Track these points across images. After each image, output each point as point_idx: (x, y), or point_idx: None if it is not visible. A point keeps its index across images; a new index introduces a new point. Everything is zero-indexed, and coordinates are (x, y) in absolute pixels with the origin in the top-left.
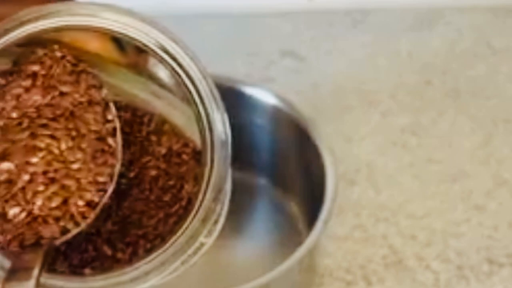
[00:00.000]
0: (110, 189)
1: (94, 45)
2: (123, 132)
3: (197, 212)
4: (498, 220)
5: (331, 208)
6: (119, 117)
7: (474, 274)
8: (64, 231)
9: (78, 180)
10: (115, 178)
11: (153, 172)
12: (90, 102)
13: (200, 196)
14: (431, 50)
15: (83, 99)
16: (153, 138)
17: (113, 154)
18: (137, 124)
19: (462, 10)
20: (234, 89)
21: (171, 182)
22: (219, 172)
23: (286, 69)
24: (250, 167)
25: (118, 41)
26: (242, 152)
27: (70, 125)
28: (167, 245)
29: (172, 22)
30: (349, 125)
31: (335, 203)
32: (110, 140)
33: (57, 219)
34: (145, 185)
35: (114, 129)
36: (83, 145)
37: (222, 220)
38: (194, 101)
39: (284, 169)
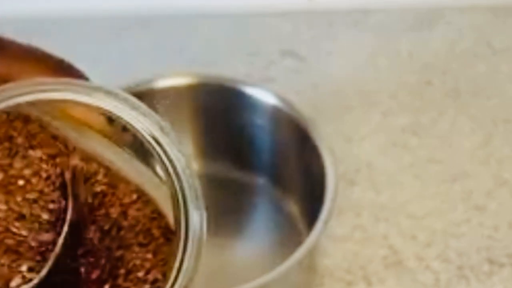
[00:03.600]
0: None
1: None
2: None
3: None
4: (498, 220)
5: (331, 208)
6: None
7: (474, 274)
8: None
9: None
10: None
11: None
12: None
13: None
14: (431, 50)
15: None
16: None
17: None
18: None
19: (462, 10)
20: (234, 89)
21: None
22: (190, 266)
23: (286, 69)
24: (250, 167)
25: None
26: (242, 152)
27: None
28: None
29: (172, 22)
30: (349, 125)
31: (335, 203)
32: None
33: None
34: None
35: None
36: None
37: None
38: (176, 195)
39: (284, 169)
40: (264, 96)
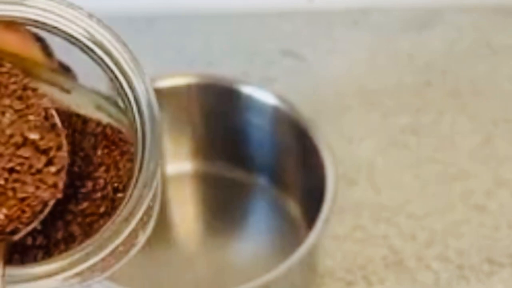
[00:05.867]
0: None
1: (17, 46)
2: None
3: (125, 206)
4: (498, 220)
5: (331, 208)
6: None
7: (474, 274)
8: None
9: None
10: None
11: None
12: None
13: (129, 190)
14: (431, 50)
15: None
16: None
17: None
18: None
19: (462, 10)
20: (234, 89)
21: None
22: (148, 167)
23: (287, 69)
24: (250, 167)
25: (44, 43)
26: (242, 152)
27: None
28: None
29: (172, 22)
30: (349, 125)
31: (335, 203)
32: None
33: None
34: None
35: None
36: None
37: (155, 215)
38: (127, 98)
39: (284, 169)
40: (264, 96)
